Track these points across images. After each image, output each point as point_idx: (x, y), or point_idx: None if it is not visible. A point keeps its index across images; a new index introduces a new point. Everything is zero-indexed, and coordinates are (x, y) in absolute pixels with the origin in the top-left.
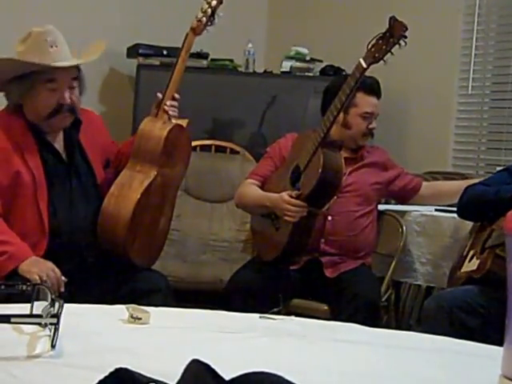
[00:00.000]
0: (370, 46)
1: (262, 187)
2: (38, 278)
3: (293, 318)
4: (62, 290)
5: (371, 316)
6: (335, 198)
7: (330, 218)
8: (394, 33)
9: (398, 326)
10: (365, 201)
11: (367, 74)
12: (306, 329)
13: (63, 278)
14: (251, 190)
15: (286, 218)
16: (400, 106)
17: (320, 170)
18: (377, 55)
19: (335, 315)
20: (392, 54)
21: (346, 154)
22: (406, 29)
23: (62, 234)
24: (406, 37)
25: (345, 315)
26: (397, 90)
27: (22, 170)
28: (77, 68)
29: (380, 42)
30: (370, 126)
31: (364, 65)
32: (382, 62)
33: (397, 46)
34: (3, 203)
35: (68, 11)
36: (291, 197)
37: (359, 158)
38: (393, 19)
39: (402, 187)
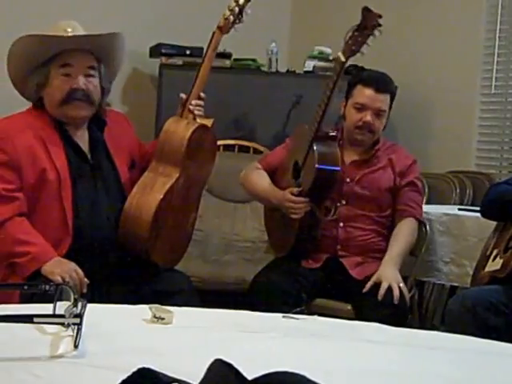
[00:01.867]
0: (347, 39)
1: (271, 175)
2: (60, 278)
3: (316, 317)
4: (85, 290)
5: (396, 318)
6: (343, 203)
7: (341, 224)
8: (367, 24)
9: (422, 326)
10: (378, 207)
11: (382, 68)
12: (329, 328)
13: (86, 279)
14: (260, 179)
15: (291, 215)
16: (423, 106)
17: (316, 167)
18: (353, 48)
19: (358, 315)
20: (368, 45)
21: (356, 157)
22: (380, 17)
23: (85, 234)
24: (380, 25)
25: (369, 316)
26: (420, 89)
27: (47, 167)
28: (95, 59)
29: (355, 34)
30: (364, 119)
31: (342, 59)
32: (359, 53)
33: (372, 36)
34: (28, 201)
35: (90, 11)
36: (293, 194)
37: (372, 159)
38: (365, 10)
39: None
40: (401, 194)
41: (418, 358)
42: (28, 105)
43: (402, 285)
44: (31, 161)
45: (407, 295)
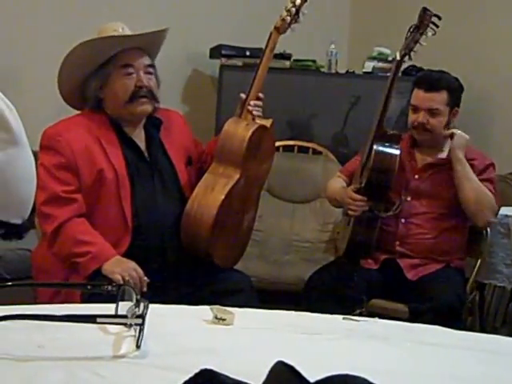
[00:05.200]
0: (405, 38)
1: (351, 182)
2: (120, 278)
3: (376, 319)
4: (145, 289)
5: (450, 319)
6: (408, 199)
7: (403, 220)
8: (422, 23)
9: (483, 328)
10: (444, 204)
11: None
12: (390, 331)
13: (146, 278)
14: (333, 184)
15: (349, 211)
16: (484, 106)
17: (370, 169)
18: (407, 46)
19: (415, 317)
20: (420, 44)
21: (428, 157)
22: (438, 18)
23: (144, 233)
24: (436, 25)
25: (424, 317)
26: (480, 90)
27: (104, 167)
28: (150, 58)
29: (411, 33)
30: (417, 120)
31: (398, 57)
32: (413, 52)
33: (425, 36)
34: (87, 201)
35: (151, 13)
36: (354, 191)
37: (446, 160)
38: (423, 10)
39: None
40: None
41: (479, 361)
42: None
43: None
44: (88, 161)
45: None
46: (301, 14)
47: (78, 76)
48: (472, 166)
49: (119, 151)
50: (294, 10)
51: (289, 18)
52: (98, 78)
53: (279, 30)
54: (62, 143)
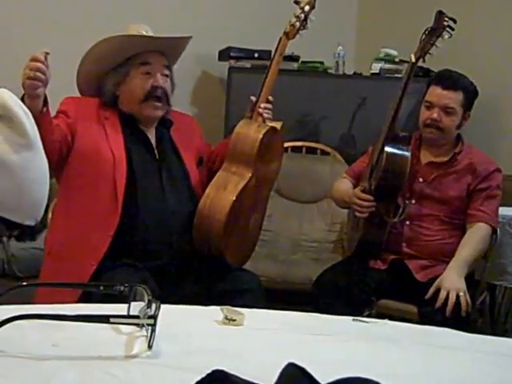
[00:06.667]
0: (420, 40)
1: (357, 183)
2: (28, 81)
3: (386, 321)
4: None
5: (458, 321)
6: (413, 202)
7: (407, 222)
8: (438, 26)
9: (493, 330)
10: (449, 209)
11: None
12: (400, 333)
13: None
14: (340, 185)
15: (356, 213)
16: (493, 106)
17: (381, 171)
18: (423, 49)
19: (424, 318)
20: (437, 46)
21: (433, 158)
22: (453, 21)
23: (153, 229)
24: (451, 28)
25: (433, 319)
26: (490, 89)
27: (102, 146)
28: (167, 61)
29: (427, 36)
30: (431, 116)
31: (413, 59)
32: (429, 55)
33: (441, 38)
34: (81, 172)
35: (159, 14)
36: (361, 191)
37: (451, 162)
38: (438, 13)
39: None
40: (476, 199)
41: (490, 364)
42: None
43: (461, 293)
44: (87, 132)
45: (464, 305)
46: (308, 21)
47: (97, 71)
48: (474, 170)
49: (121, 140)
50: (302, 15)
51: (298, 24)
52: (116, 74)
53: (288, 35)
54: (71, 107)
